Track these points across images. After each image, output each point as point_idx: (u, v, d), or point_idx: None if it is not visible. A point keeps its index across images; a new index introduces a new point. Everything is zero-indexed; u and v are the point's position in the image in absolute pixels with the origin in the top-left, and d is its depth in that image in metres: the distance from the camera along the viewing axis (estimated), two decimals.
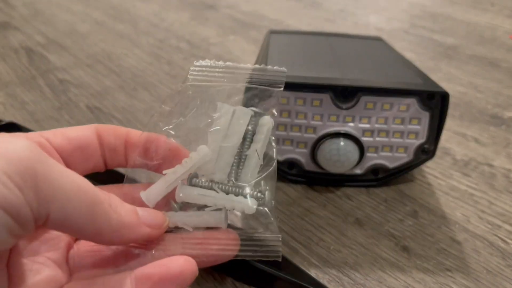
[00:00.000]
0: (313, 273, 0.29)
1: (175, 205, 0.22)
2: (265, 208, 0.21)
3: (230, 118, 0.22)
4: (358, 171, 0.36)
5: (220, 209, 0.22)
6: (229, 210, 0.22)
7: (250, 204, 0.21)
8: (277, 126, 0.34)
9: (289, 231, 0.32)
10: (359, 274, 0.29)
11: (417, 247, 0.31)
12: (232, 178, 0.22)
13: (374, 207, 0.35)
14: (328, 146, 0.34)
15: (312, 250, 0.31)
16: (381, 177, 0.37)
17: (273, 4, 0.92)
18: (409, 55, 0.66)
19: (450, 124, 0.48)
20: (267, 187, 0.22)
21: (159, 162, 0.22)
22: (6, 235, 0.15)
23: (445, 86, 0.51)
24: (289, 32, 0.51)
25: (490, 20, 0.84)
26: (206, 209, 0.22)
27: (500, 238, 0.32)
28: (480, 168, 0.41)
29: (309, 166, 0.36)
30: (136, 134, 0.23)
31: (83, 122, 0.46)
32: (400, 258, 0.30)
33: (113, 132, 0.23)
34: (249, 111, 0.23)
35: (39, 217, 0.16)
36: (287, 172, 0.37)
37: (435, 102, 0.33)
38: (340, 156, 0.33)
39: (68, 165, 0.21)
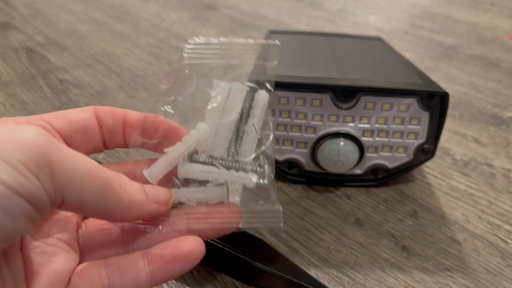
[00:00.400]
0: (313, 273, 0.29)
1: (177, 181, 0.23)
2: (265, 181, 0.22)
3: (227, 95, 0.23)
4: (358, 171, 0.36)
5: (221, 184, 0.22)
6: (231, 185, 0.22)
7: (251, 178, 0.22)
8: (277, 126, 0.34)
9: (289, 231, 0.32)
10: (359, 274, 0.29)
11: (417, 247, 0.31)
12: (232, 153, 0.23)
13: (374, 207, 0.35)
14: (328, 146, 0.34)
15: (312, 250, 0.31)
16: (381, 177, 0.37)
17: (273, 4, 0.92)
18: (409, 55, 0.66)
19: (450, 124, 0.48)
20: (266, 161, 0.23)
21: (158, 141, 0.23)
22: (26, 222, 0.16)
23: (445, 86, 0.51)
24: (289, 32, 0.51)
25: (490, 20, 0.84)
26: (208, 184, 0.22)
27: (500, 238, 0.33)
28: (480, 168, 0.41)
29: (309, 166, 0.36)
30: (133, 115, 0.23)
31: None
32: (400, 258, 0.30)
33: (111, 113, 0.23)
34: (245, 87, 0.23)
35: (55, 201, 0.16)
36: (287, 172, 0.37)
37: (435, 102, 0.33)
38: (340, 156, 0.33)
39: (71, 147, 0.21)
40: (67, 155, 0.17)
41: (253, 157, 0.23)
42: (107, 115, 0.23)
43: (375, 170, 0.36)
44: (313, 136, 0.34)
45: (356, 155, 0.34)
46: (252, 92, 0.23)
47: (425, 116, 0.34)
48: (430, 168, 0.40)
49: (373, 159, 0.36)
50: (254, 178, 0.22)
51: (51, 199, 0.16)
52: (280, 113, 0.34)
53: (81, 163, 0.17)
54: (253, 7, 0.89)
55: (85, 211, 0.18)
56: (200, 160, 0.22)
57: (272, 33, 0.47)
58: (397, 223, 0.34)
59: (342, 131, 0.34)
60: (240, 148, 0.23)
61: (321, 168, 0.35)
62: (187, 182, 0.23)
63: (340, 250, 0.31)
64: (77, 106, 0.49)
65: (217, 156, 0.22)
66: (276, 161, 0.36)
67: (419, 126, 0.34)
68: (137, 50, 0.65)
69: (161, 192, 0.21)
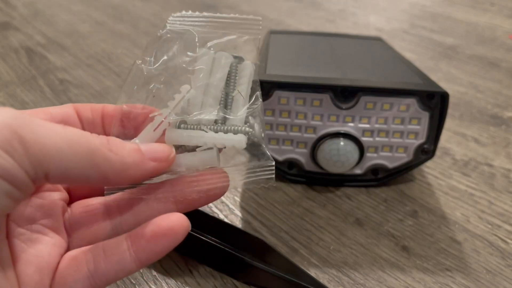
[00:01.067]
0: (313, 273, 0.29)
1: None
2: (256, 139, 0.22)
3: (211, 62, 0.23)
4: (358, 171, 0.36)
5: (211, 148, 0.22)
6: (220, 148, 0.22)
7: (241, 139, 0.21)
8: (277, 126, 0.34)
9: (289, 231, 0.32)
10: (359, 274, 0.29)
11: (417, 247, 0.31)
12: (220, 120, 0.22)
13: (374, 207, 0.35)
14: (328, 146, 0.34)
15: (312, 250, 0.31)
16: (381, 177, 0.37)
17: (273, 4, 0.92)
18: (409, 55, 0.66)
19: (450, 124, 0.48)
20: (255, 120, 0.22)
21: (136, 129, 0.23)
22: (7, 200, 0.16)
23: (445, 86, 0.51)
24: (289, 32, 0.51)
25: (489, 20, 0.84)
26: (197, 149, 0.22)
27: (499, 238, 0.33)
28: (480, 168, 0.41)
29: (309, 166, 0.36)
30: (111, 107, 0.24)
31: None
32: (400, 258, 0.30)
33: (90, 107, 0.24)
34: (230, 55, 0.23)
35: (37, 177, 0.16)
36: (287, 172, 0.37)
37: (435, 102, 0.33)
38: (340, 156, 0.33)
39: None
40: (40, 129, 0.17)
41: (241, 119, 0.22)
42: (86, 109, 0.23)
43: (375, 170, 0.36)
44: (313, 136, 0.34)
45: (356, 155, 0.34)
46: (236, 62, 0.23)
47: (425, 116, 0.34)
48: (430, 168, 0.40)
49: (373, 159, 0.36)
50: (243, 139, 0.21)
51: (30, 175, 0.16)
52: (280, 113, 0.34)
53: (58, 135, 0.17)
54: (253, 7, 0.89)
55: (76, 181, 0.18)
56: (188, 127, 0.22)
57: (272, 33, 0.47)
58: (397, 223, 0.34)
59: (342, 131, 0.34)
60: (229, 113, 0.22)
61: (321, 168, 0.35)
62: (175, 149, 0.22)
63: (340, 250, 0.31)
64: None
65: (205, 123, 0.22)
66: (276, 161, 0.36)
67: (419, 126, 0.34)
68: (137, 50, 0.65)
69: (159, 149, 0.20)
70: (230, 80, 0.23)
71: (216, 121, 0.22)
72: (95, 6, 0.85)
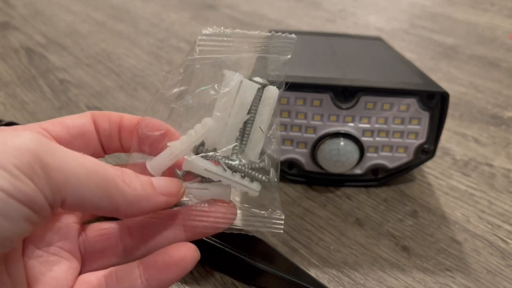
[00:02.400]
0: (313, 273, 0.29)
1: (179, 173, 0.22)
2: (272, 189, 0.22)
3: (237, 90, 0.22)
4: (358, 171, 0.36)
5: (226, 184, 0.22)
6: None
7: (255, 188, 0.22)
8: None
9: (289, 231, 0.32)
10: (359, 274, 0.29)
11: (417, 247, 0.31)
12: (236, 152, 0.22)
13: (374, 207, 0.35)
14: (328, 146, 0.34)
15: (312, 250, 0.31)
16: (381, 177, 0.37)
17: (273, 4, 0.92)
18: (409, 55, 0.66)
19: (450, 124, 0.48)
20: (271, 167, 0.22)
21: (150, 146, 0.23)
22: (25, 225, 0.16)
23: (445, 86, 0.51)
24: (289, 32, 0.51)
25: (490, 20, 0.84)
26: (211, 182, 0.22)
27: (500, 238, 0.33)
28: (480, 168, 0.41)
29: (309, 166, 0.36)
30: (129, 118, 0.23)
31: None
32: (400, 258, 0.30)
33: (107, 118, 0.23)
34: (256, 84, 0.22)
35: (55, 203, 0.17)
36: (287, 172, 0.37)
37: (435, 102, 0.33)
38: (340, 156, 0.33)
39: None
40: (62, 155, 0.17)
41: (258, 161, 0.22)
42: (104, 120, 0.23)
43: (375, 170, 0.36)
44: (313, 136, 0.34)
45: (356, 155, 0.34)
46: (262, 88, 0.22)
47: (425, 116, 0.34)
48: (430, 168, 0.40)
49: (373, 159, 0.36)
50: (257, 188, 0.22)
51: (49, 200, 0.16)
52: (280, 113, 0.34)
53: (78, 162, 0.17)
54: (253, 7, 0.89)
55: (89, 209, 0.18)
56: (206, 152, 0.22)
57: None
58: (397, 223, 0.34)
59: (342, 131, 0.34)
60: (245, 148, 0.22)
61: (321, 168, 0.35)
62: (188, 176, 0.22)
63: (340, 250, 0.31)
64: (77, 106, 0.49)
65: (222, 153, 0.22)
66: None
67: (419, 126, 0.34)
68: (137, 50, 0.65)
69: (170, 183, 0.21)
70: (252, 108, 0.22)
71: (232, 155, 0.22)
72: (95, 6, 0.85)
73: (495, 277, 0.29)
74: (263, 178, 0.22)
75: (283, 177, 0.37)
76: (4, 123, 0.41)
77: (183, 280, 0.28)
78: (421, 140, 0.35)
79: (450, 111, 0.50)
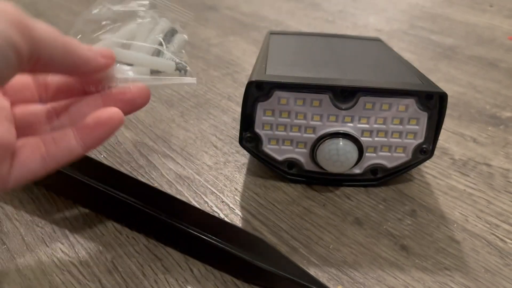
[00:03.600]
0: (312, 271, 0.29)
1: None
2: (187, 67, 0.27)
3: (155, 20, 0.29)
4: (357, 170, 0.36)
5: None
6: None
7: (170, 63, 0.27)
8: (277, 126, 0.35)
9: (288, 230, 0.33)
10: (358, 273, 0.29)
11: (416, 246, 0.32)
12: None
13: (373, 207, 0.35)
14: (328, 146, 0.34)
15: (311, 249, 0.31)
16: (380, 177, 0.37)
17: (273, 5, 0.92)
18: (408, 55, 0.67)
19: (448, 124, 0.48)
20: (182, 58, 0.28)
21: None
22: (8, 68, 0.19)
23: (444, 86, 0.51)
24: (289, 33, 0.51)
25: (489, 21, 0.84)
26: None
27: (498, 237, 0.33)
28: (479, 168, 0.41)
29: (308, 166, 0.36)
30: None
31: None
32: (399, 257, 0.31)
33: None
34: (169, 22, 0.29)
35: (31, 57, 0.20)
36: (287, 172, 0.37)
37: (434, 103, 0.33)
38: (339, 156, 0.34)
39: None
40: (34, 21, 0.20)
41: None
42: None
43: (374, 170, 0.37)
44: (313, 136, 0.35)
45: (355, 155, 0.34)
46: (173, 29, 0.29)
47: (423, 116, 0.34)
48: (429, 168, 0.40)
49: (372, 159, 0.36)
50: (173, 64, 0.27)
51: (30, 52, 0.19)
52: (280, 113, 0.34)
53: (46, 28, 0.21)
54: (253, 8, 0.89)
55: (56, 67, 0.22)
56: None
57: (271, 34, 0.48)
58: (396, 223, 0.34)
59: (341, 131, 0.34)
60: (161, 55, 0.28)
61: (321, 168, 0.36)
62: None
63: (339, 249, 0.31)
64: None
65: (144, 49, 0.27)
66: (276, 161, 0.36)
67: (418, 126, 0.34)
68: None
69: (104, 49, 0.25)
70: (165, 40, 0.28)
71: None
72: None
73: (494, 276, 0.29)
74: (176, 59, 0.27)
75: (283, 177, 0.37)
76: None
77: (184, 279, 0.28)
78: (420, 140, 0.35)
79: (449, 111, 0.50)
